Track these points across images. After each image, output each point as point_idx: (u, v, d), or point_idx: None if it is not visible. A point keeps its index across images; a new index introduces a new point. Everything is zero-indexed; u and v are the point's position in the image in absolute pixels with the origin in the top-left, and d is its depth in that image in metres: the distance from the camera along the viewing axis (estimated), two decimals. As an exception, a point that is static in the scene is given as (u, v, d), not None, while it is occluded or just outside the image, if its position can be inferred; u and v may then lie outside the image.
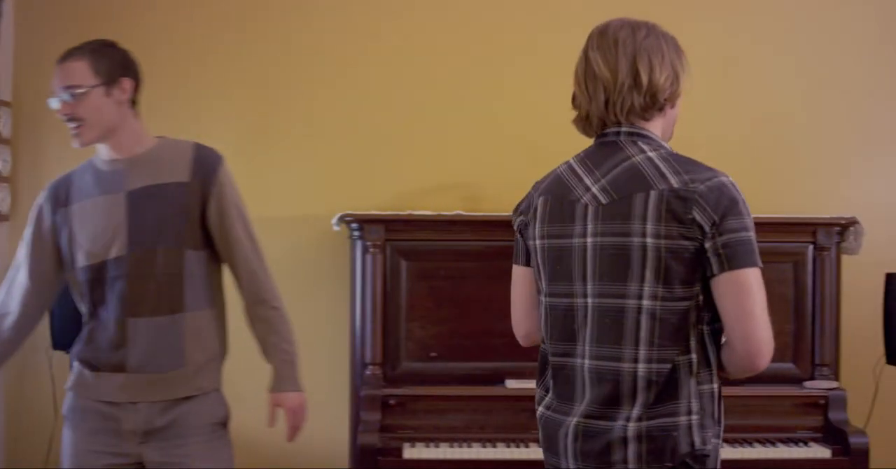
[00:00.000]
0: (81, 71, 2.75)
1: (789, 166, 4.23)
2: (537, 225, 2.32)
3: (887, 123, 4.37)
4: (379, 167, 4.24)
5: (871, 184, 4.34)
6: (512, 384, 3.73)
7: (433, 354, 3.79)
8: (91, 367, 2.83)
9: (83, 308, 2.86)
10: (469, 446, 3.54)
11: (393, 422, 3.62)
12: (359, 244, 3.82)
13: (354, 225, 3.80)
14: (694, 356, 2.14)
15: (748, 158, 4.22)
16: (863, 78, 4.36)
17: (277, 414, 2.88)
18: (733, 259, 2.08)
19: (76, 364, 2.87)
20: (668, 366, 2.12)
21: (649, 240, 2.12)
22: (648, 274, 2.12)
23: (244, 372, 3.98)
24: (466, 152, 4.24)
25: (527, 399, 3.68)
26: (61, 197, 2.84)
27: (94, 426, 2.81)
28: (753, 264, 2.09)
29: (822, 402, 3.74)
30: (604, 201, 2.22)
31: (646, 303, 2.13)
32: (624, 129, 2.33)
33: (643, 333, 2.13)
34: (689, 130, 4.25)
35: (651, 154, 2.24)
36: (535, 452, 3.51)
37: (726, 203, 2.10)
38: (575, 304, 2.23)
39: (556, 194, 2.33)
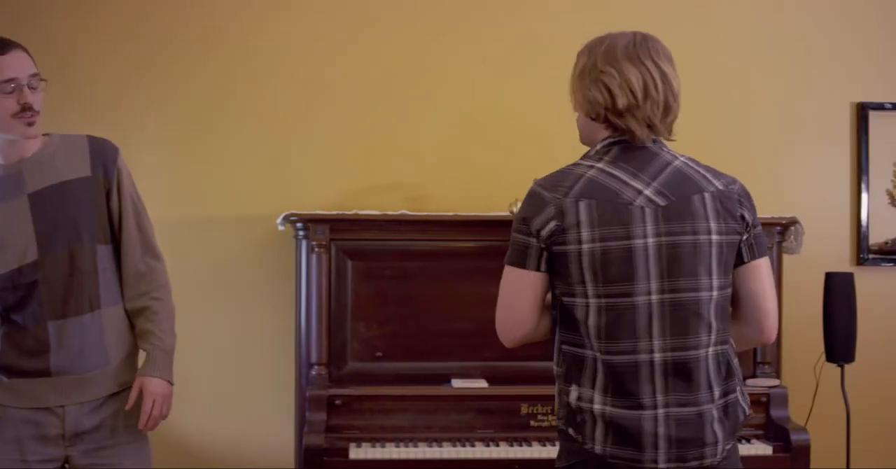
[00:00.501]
0: (30, 62, 2.72)
1: (728, 167, 4.22)
2: (583, 230, 2.34)
3: (826, 123, 4.44)
4: (324, 167, 4.22)
5: (811, 184, 4.40)
6: (458, 384, 3.73)
7: (379, 354, 3.79)
8: (9, 373, 2.76)
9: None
10: (415, 446, 3.54)
11: (339, 422, 3.61)
12: (304, 244, 3.80)
13: (299, 225, 3.79)
14: (729, 335, 2.40)
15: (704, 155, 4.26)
16: (800, 80, 4.42)
17: (138, 399, 2.85)
18: (759, 248, 2.41)
19: None
20: (727, 346, 2.37)
21: (714, 236, 2.33)
22: (715, 266, 2.33)
23: (191, 374, 3.97)
24: (412, 152, 4.24)
25: (472, 398, 3.71)
26: None
27: (15, 435, 2.74)
28: (766, 253, 2.45)
29: (764, 399, 3.78)
30: (662, 203, 2.34)
31: (715, 293, 2.33)
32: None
33: (714, 321, 2.33)
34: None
35: (682, 159, 2.46)
36: (480, 452, 3.51)
37: (752, 203, 2.45)
38: (637, 302, 2.31)
39: (602, 198, 2.36)
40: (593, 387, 2.36)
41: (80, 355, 2.77)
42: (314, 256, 3.74)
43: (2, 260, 2.72)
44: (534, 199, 2.46)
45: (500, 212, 3.88)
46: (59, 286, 2.75)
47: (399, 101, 4.24)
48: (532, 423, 3.64)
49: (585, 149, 2.62)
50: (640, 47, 2.48)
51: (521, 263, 2.42)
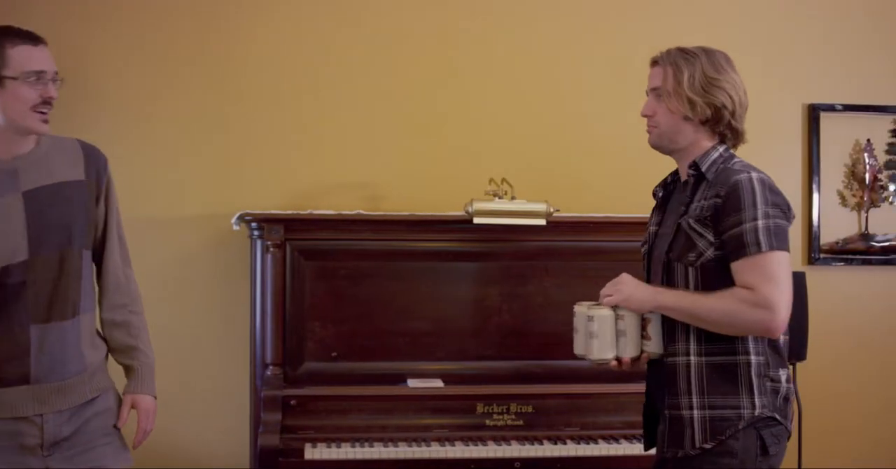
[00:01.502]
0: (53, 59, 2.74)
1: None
2: None
3: (777, 125, 4.48)
4: (279, 166, 4.21)
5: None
6: (413, 384, 3.73)
7: (334, 354, 3.78)
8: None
9: None
10: (371, 446, 3.54)
11: (294, 422, 3.59)
12: (258, 244, 3.79)
13: (254, 224, 3.77)
14: None
15: (646, 157, 4.30)
16: (752, 81, 4.44)
17: (131, 415, 2.88)
18: None
19: None
20: None
21: None
22: None
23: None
24: (367, 152, 4.24)
25: (428, 398, 3.71)
26: None
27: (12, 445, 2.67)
28: None
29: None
30: None
31: None
32: None
33: None
34: (579, 130, 4.34)
35: None
36: (436, 451, 3.51)
37: None
38: None
39: None
40: (786, 366, 2.64)
41: (60, 362, 2.72)
42: (269, 256, 3.72)
43: None
44: (775, 187, 2.59)
45: (456, 212, 3.88)
46: (45, 289, 2.69)
47: (355, 101, 4.24)
48: (487, 422, 3.65)
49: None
50: (731, 61, 2.74)
51: (787, 247, 2.54)
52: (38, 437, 2.69)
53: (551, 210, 3.77)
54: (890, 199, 4.53)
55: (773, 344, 2.62)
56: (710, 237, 2.57)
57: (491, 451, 3.54)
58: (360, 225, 3.83)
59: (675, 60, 2.68)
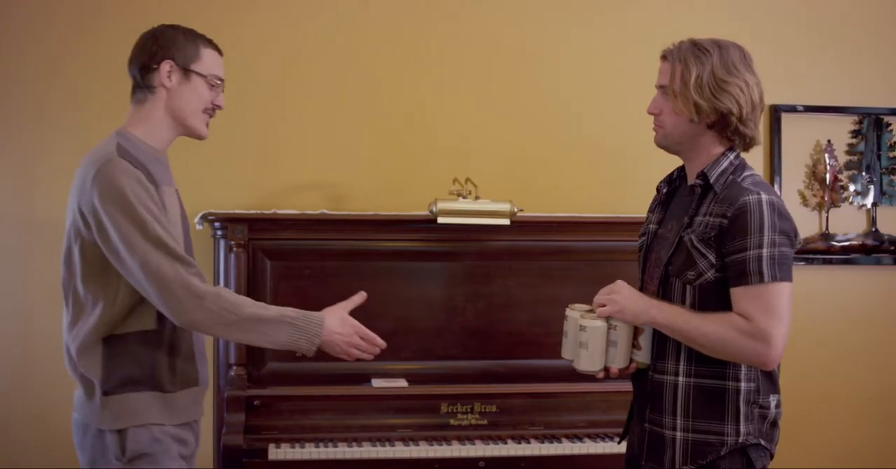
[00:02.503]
0: None
1: (645, 168, 4.32)
2: None
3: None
4: (243, 166, 4.19)
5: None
6: (378, 383, 3.73)
7: (298, 354, 3.77)
8: (172, 384, 2.57)
9: (152, 315, 2.54)
10: (335, 446, 3.53)
11: (257, 423, 3.58)
12: (222, 243, 3.77)
13: (217, 224, 3.75)
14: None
15: (610, 157, 4.32)
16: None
17: None
18: None
19: (140, 388, 2.52)
20: None
21: None
22: None
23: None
24: (331, 151, 4.23)
25: (392, 398, 3.71)
26: (149, 176, 2.55)
27: (179, 453, 2.58)
28: None
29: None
30: None
31: None
32: None
33: None
34: (544, 131, 4.35)
35: None
36: (400, 451, 3.51)
37: None
38: None
39: None
40: (778, 391, 2.58)
41: (204, 364, 2.71)
42: (232, 256, 3.71)
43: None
44: (784, 211, 2.51)
45: (420, 211, 3.88)
46: None
47: (318, 100, 4.23)
48: (451, 421, 3.65)
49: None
50: (748, 57, 2.58)
51: (790, 277, 2.46)
52: (193, 445, 2.65)
53: (515, 210, 3.78)
54: (850, 200, 4.57)
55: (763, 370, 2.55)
56: (713, 258, 2.49)
57: (455, 450, 3.54)
58: (324, 225, 3.82)
59: (684, 57, 2.54)
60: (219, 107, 2.71)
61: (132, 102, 2.68)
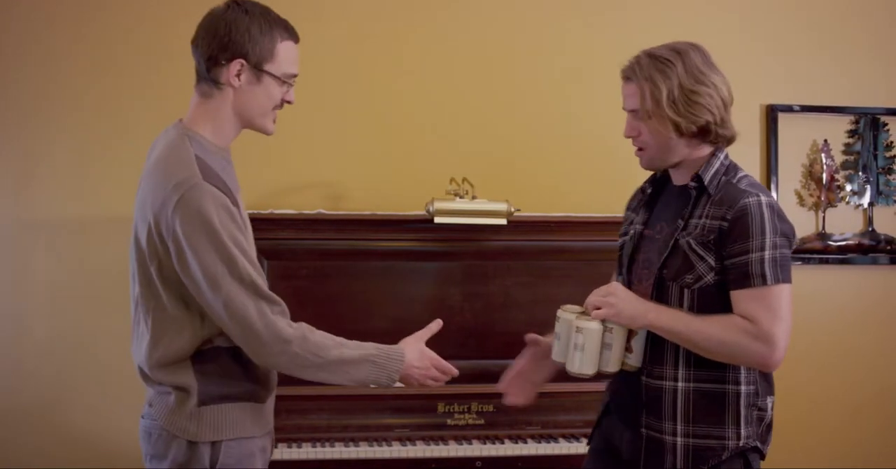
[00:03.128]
0: None
1: (640, 169, 4.34)
2: None
3: (736, 125, 4.50)
4: (239, 165, 4.13)
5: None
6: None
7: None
8: (265, 393, 2.51)
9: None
10: (332, 446, 3.53)
11: (254, 423, 3.57)
12: (219, 243, 3.76)
13: (215, 224, 3.74)
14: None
15: (607, 157, 4.32)
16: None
17: None
18: None
19: (236, 399, 2.43)
20: None
21: None
22: None
23: (109, 372, 3.95)
24: (328, 151, 4.22)
25: (389, 398, 3.70)
26: (230, 193, 2.40)
27: (262, 464, 2.51)
28: None
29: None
30: None
31: None
32: None
33: None
34: (541, 130, 4.35)
35: None
36: (397, 451, 3.52)
37: None
38: None
39: None
40: (773, 393, 2.60)
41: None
42: (229, 256, 3.70)
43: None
44: (782, 213, 2.52)
45: (417, 211, 3.88)
46: None
47: (315, 100, 4.22)
48: (448, 421, 3.65)
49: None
50: (707, 55, 2.56)
51: (791, 280, 2.46)
52: (269, 453, 2.57)
53: (512, 210, 3.78)
54: (846, 200, 4.57)
55: (763, 371, 2.55)
56: (712, 261, 2.47)
57: (452, 450, 3.55)
58: (321, 224, 3.81)
59: (649, 75, 2.51)
60: (288, 102, 2.53)
61: (196, 92, 2.50)
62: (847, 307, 4.58)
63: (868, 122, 4.58)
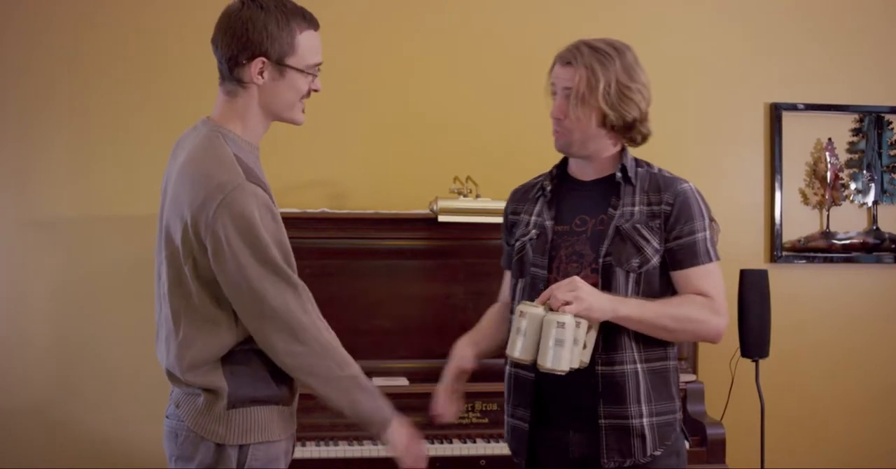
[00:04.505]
0: None
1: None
2: None
3: (740, 124, 4.51)
4: (243, 164, 4.18)
5: (726, 183, 4.47)
6: (378, 382, 3.72)
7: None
8: (291, 396, 2.48)
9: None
10: (335, 445, 3.53)
11: (258, 422, 3.57)
12: (223, 242, 3.76)
13: (218, 223, 3.74)
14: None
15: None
16: (715, 80, 4.49)
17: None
18: None
19: (266, 402, 2.40)
20: None
21: None
22: None
23: (109, 372, 3.95)
24: (332, 149, 4.23)
25: (392, 397, 3.66)
26: (268, 189, 2.40)
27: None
28: None
29: (681, 394, 3.83)
30: None
31: None
32: None
33: None
34: (544, 129, 4.34)
35: None
36: (401, 449, 3.51)
37: None
38: None
39: None
40: None
41: None
42: (233, 255, 3.70)
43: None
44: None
45: (421, 210, 3.88)
46: None
47: (319, 98, 4.20)
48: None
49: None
50: (636, 56, 2.61)
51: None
52: (291, 455, 2.52)
53: (516, 208, 3.78)
54: (851, 198, 4.57)
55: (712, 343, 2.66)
56: (657, 244, 2.55)
57: (456, 449, 3.54)
58: (325, 223, 3.81)
59: (589, 63, 2.56)
60: (315, 90, 2.52)
61: (221, 90, 2.45)
62: (851, 306, 4.57)
63: (872, 121, 4.57)
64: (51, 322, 4.10)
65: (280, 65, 2.41)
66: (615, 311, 2.49)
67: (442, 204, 3.75)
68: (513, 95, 4.33)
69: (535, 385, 2.65)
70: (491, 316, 2.95)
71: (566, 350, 2.43)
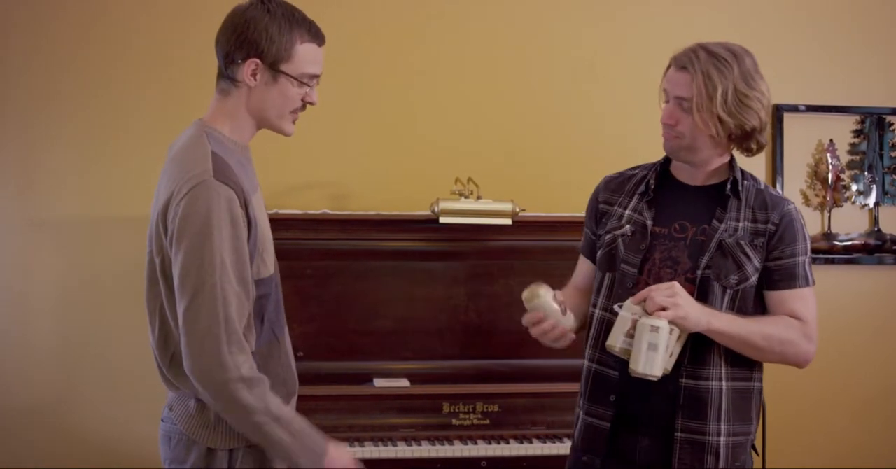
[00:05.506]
0: None
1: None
2: None
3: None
4: (245, 165, 4.18)
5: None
6: (379, 383, 3.73)
7: (300, 354, 3.74)
8: (286, 399, 2.41)
9: (245, 330, 2.31)
10: (336, 446, 3.53)
11: (259, 423, 3.57)
12: (224, 243, 3.76)
13: (220, 224, 3.74)
14: None
15: (613, 156, 4.31)
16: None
17: None
18: None
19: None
20: None
21: None
22: None
23: (113, 373, 3.95)
24: (333, 150, 4.22)
25: (394, 398, 3.70)
26: (242, 193, 2.31)
27: None
28: None
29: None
30: None
31: None
32: None
33: None
34: (546, 130, 4.35)
35: None
36: (402, 451, 3.51)
37: None
38: None
39: None
40: None
41: (294, 380, 2.53)
42: (234, 256, 3.70)
43: (269, 257, 2.45)
44: None
45: (422, 211, 3.88)
46: (281, 301, 2.54)
47: (320, 99, 4.20)
48: (454, 421, 3.65)
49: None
50: (756, 61, 2.54)
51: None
52: None
53: (517, 209, 3.78)
54: (852, 199, 4.57)
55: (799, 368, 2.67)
56: (757, 263, 2.53)
57: (457, 450, 3.54)
58: (326, 224, 3.81)
59: (706, 69, 2.48)
60: (310, 103, 2.49)
61: (217, 90, 2.44)
62: (853, 307, 4.57)
63: (874, 122, 4.57)
64: (52, 323, 4.10)
65: (273, 69, 2.39)
66: (709, 324, 2.45)
67: (443, 205, 3.75)
68: (514, 96, 4.33)
69: (619, 384, 2.60)
70: (569, 293, 2.79)
71: (660, 355, 2.38)
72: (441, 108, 4.29)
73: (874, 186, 4.58)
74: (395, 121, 4.26)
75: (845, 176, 4.56)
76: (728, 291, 2.51)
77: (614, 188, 2.76)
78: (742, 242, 2.52)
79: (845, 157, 4.57)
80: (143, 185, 4.06)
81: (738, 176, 2.58)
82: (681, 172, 2.66)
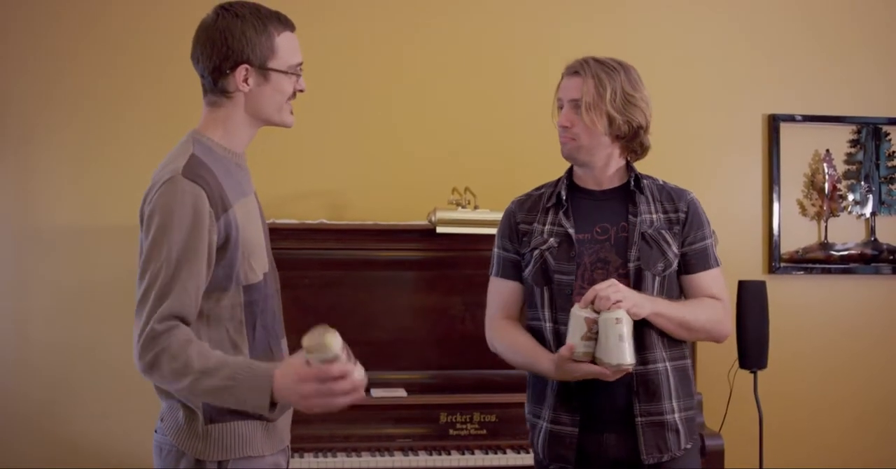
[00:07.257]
0: None
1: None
2: None
3: (738, 135, 4.52)
4: (242, 175, 4.18)
5: (724, 194, 4.47)
6: (377, 393, 3.72)
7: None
8: (278, 411, 2.30)
9: (236, 337, 2.33)
10: (334, 456, 3.52)
11: (256, 433, 3.57)
12: (221, 253, 3.76)
13: (217, 234, 3.74)
14: None
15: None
16: (713, 92, 4.50)
17: None
18: None
19: (246, 416, 2.29)
20: None
21: None
22: None
23: (111, 380, 3.95)
24: (330, 160, 4.23)
25: (391, 408, 3.70)
26: (221, 195, 2.29)
27: None
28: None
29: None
30: None
31: None
32: None
33: None
34: (542, 140, 4.34)
35: None
36: (399, 461, 3.51)
37: None
38: None
39: None
40: None
41: None
42: (231, 266, 3.70)
43: (258, 262, 2.42)
44: None
45: (419, 221, 3.88)
46: (278, 304, 2.52)
47: (317, 109, 4.22)
48: (451, 431, 3.64)
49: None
50: (639, 74, 2.77)
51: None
52: (285, 466, 2.47)
53: (514, 219, 3.78)
54: (849, 209, 4.57)
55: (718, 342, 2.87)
56: (676, 249, 2.72)
57: (454, 460, 3.54)
58: (323, 234, 3.81)
59: (596, 73, 2.69)
60: (301, 91, 2.45)
61: (205, 104, 2.45)
62: (849, 316, 4.58)
63: (870, 132, 4.58)
64: (50, 329, 4.09)
65: (263, 69, 2.38)
66: (653, 308, 2.61)
67: (440, 215, 3.75)
68: (511, 107, 4.33)
69: (580, 388, 2.68)
70: (520, 332, 2.83)
71: (627, 344, 2.52)
72: (438, 117, 4.29)
73: (871, 196, 4.58)
74: (392, 131, 4.27)
75: (842, 186, 4.57)
76: (657, 278, 2.70)
77: (529, 208, 2.90)
78: (662, 231, 2.72)
79: (842, 167, 4.58)
80: (139, 193, 4.03)
81: (638, 175, 2.78)
82: (586, 181, 2.82)
